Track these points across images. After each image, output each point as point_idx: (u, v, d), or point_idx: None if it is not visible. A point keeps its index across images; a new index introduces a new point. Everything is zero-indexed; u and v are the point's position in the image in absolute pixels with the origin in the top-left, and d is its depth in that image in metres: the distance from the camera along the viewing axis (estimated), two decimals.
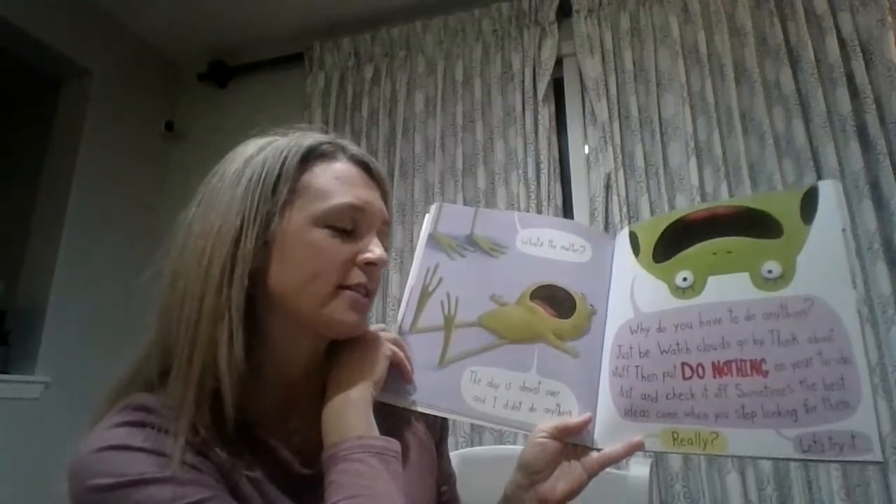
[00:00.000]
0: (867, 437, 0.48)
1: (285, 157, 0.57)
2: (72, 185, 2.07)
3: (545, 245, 0.71)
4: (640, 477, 0.92)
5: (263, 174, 0.56)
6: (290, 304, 0.56)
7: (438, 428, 0.72)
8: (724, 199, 1.66)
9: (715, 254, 0.61)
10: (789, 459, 0.52)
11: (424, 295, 0.69)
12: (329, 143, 0.60)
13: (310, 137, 0.60)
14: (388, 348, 0.61)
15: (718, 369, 0.56)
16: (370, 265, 0.58)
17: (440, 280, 0.69)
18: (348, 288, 0.57)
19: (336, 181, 0.58)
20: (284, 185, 0.56)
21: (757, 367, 0.54)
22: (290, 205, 0.56)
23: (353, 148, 0.62)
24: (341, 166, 0.59)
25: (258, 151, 0.58)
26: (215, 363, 0.51)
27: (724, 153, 1.71)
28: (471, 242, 0.71)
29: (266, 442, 0.56)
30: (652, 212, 1.75)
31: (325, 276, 0.55)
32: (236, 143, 0.62)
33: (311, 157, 0.58)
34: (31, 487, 1.62)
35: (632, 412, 0.59)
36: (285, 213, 0.55)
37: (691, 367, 0.57)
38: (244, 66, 2.45)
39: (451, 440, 1.63)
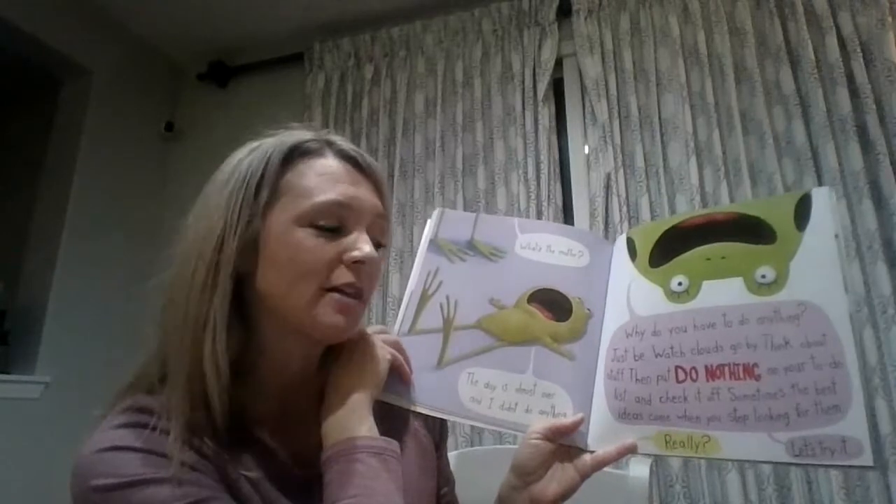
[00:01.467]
0: (858, 441, 0.48)
1: (268, 158, 0.56)
2: (72, 185, 2.07)
3: (543, 250, 0.72)
4: (639, 477, 0.92)
5: (247, 177, 0.55)
6: (277, 307, 0.55)
7: (438, 431, 0.72)
8: (723, 199, 1.66)
9: (710, 259, 0.61)
10: (780, 463, 0.52)
11: (424, 297, 0.70)
12: (314, 139, 0.60)
13: (295, 135, 0.59)
14: (387, 351, 0.61)
15: (711, 373, 0.56)
16: (357, 263, 0.56)
17: (440, 283, 0.70)
18: (334, 289, 0.55)
19: (320, 178, 0.57)
20: (266, 185, 0.55)
21: (750, 370, 0.54)
22: (272, 206, 0.55)
23: (340, 143, 0.61)
24: (326, 162, 0.58)
25: (247, 154, 0.58)
26: (203, 367, 0.51)
27: (724, 153, 1.71)
28: (471, 247, 0.72)
29: (265, 443, 0.56)
30: (652, 212, 1.75)
31: (308, 277, 0.54)
32: (236, 143, 0.62)
33: (294, 155, 0.58)
34: (31, 487, 1.62)
35: (625, 415, 0.60)
36: (268, 215, 0.55)
37: (685, 371, 0.57)
38: (244, 66, 2.45)
39: (450, 440, 1.63)
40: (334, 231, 0.56)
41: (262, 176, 0.56)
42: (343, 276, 0.55)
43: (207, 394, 0.52)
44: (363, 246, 0.56)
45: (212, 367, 0.51)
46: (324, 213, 0.55)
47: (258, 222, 0.55)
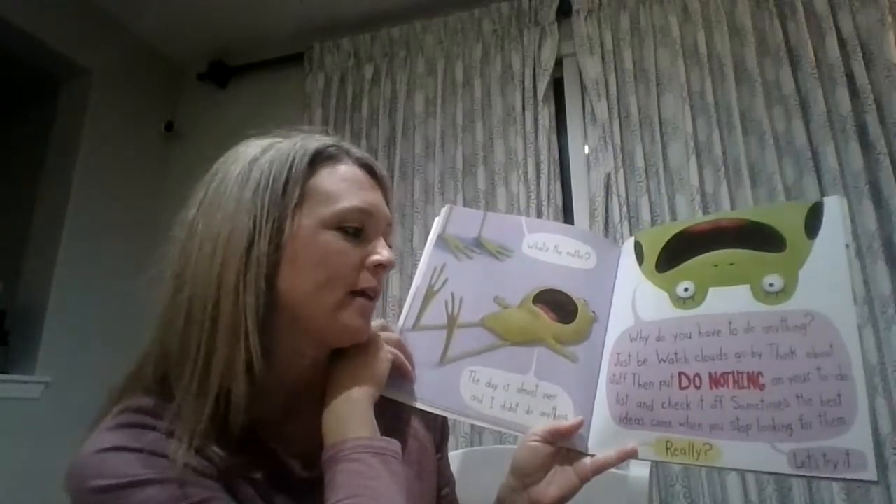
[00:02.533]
0: (862, 454, 0.47)
1: (293, 160, 0.56)
2: (72, 186, 2.07)
3: (551, 250, 0.71)
4: (640, 477, 0.92)
5: (271, 177, 0.55)
6: (300, 310, 0.55)
7: (439, 431, 0.72)
8: (723, 199, 1.66)
9: (717, 265, 0.61)
10: (782, 474, 0.52)
11: (429, 294, 0.70)
12: (334, 145, 0.60)
13: (315, 140, 0.60)
14: (389, 351, 0.61)
15: (715, 380, 0.56)
16: (379, 267, 0.58)
17: (446, 280, 0.70)
18: (359, 293, 0.57)
19: (343, 184, 0.58)
20: (294, 188, 0.55)
21: (754, 379, 0.54)
22: (299, 208, 0.55)
23: (356, 151, 0.62)
24: (347, 169, 0.59)
25: (262, 153, 0.57)
26: (233, 370, 0.51)
27: (724, 153, 1.71)
28: (478, 245, 0.72)
29: (267, 445, 0.56)
30: (652, 212, 1.75)
31: (337, 281, 0.55)
32: (236, 144, 0.61)
33: (317, 160, 0.58)
34: (31, 487, 1.62)
35: (627, 419, 0.59)
36: (295, 217, 0.55)
37: (688, 377, 0.57)
38: (244, 66, 2.45)
39: (451, 440, 1.62)
40: (356, 236, 0.57)
41: (288, 178, 0.55)
42: (367, 280, 0.57)
43: (230, 396, 0.51)
44: (384, 251, 0.58)
45: (242, 370, 0.51)
46: (349, 218, 0.57)
47: (288, 224, 0.55)
